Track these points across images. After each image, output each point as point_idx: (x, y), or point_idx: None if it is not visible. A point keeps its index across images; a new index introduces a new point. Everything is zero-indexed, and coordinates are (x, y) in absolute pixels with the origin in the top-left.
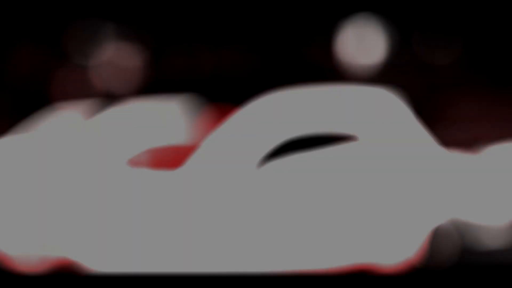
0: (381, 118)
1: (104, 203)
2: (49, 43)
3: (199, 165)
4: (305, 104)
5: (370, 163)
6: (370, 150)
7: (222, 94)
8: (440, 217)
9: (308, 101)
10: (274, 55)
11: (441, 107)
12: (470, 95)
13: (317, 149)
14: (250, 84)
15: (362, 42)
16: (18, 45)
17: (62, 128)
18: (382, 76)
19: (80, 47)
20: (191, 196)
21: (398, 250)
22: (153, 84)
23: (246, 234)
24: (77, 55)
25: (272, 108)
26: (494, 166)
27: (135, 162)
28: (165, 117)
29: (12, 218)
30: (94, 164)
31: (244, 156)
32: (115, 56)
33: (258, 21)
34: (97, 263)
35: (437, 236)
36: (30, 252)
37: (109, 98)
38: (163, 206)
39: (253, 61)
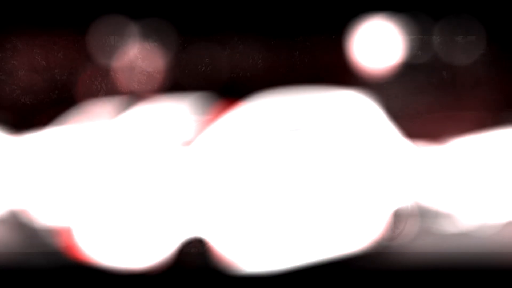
0: (352, 116)
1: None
2: (74, 42)
3: (195, 153)
4: (283, 106)
5: (336, 154)
6: (336, 142)
7: (237, 91)
8: (401, 202)
9: (286, 103)
10: (289, 53)
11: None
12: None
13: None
14: (264, 81)
15: (379, 41)
16: (43, 44)
17: (88, 124)
18: (399, 76)
19: (104, 46)
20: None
21: (365, 235)
22: (175, 82)
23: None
24: (102, 55)
25: (257, 108)
26: (458, 157)
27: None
28: (178, 115)
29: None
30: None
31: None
32: (138, 55)
33: (274, 19)
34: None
35: (398, 218)
36: (93, 244)
37: (133, 97)
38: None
39: (269, 59)
